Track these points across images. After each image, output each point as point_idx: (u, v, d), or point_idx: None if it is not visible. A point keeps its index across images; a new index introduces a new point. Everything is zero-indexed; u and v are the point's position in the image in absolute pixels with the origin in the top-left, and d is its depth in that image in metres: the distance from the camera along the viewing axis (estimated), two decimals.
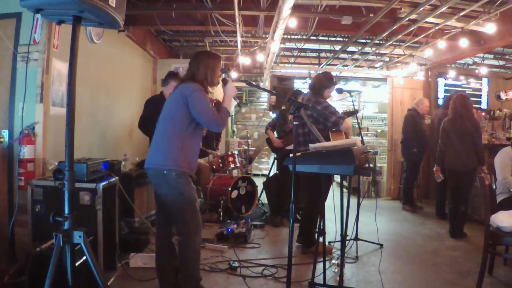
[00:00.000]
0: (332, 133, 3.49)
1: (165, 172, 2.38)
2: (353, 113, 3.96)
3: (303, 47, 6.86)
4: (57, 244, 1.62)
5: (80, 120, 3.56)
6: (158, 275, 2.56)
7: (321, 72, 4.01)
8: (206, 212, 4.97)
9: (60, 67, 3.23)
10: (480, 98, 7.30)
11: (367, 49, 6.08)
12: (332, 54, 6.80)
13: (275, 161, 5.52)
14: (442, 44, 5.14)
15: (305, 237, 3.70)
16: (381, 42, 5.74)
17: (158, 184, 2.47)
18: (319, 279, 2.78)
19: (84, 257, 1.74)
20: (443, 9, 3.85)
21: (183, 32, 5.94)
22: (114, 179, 2.95)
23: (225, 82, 2.63)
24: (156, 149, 2.47)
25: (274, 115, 5.52)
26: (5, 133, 3.02)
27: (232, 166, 5.49)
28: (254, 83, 6.91)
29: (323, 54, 7.29)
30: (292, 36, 6.07)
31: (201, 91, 2.45)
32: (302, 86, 10.18)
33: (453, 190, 4.43)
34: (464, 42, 4.93)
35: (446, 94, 6.98)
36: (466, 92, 7.12)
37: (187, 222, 2.45)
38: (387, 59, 7.10)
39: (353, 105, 4.27)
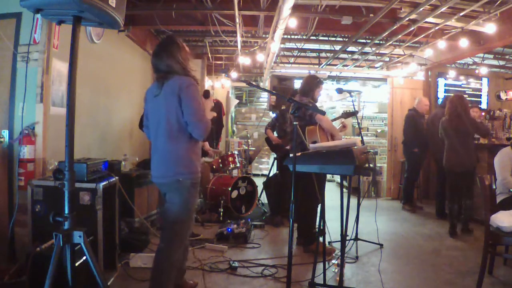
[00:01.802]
0: (307, 129, 3.60)
1: (180, 179, 2.24)
2: (353, 113, 3.96)
3: (303, 47, 6.86)
4: (57, 244, 1.62)
5: (80, 120, 3.56)
6: None
7: (309, 74, 4.09)
8: (206, 212, 4.97)
9: (60, 67, 3.23)
10: (480, 98, 7.31)
11: (367, 49, 6.08)
12: (332, 54, 6.79)
13: (275, 161, 5.52)
14: (442, 44, 5.14)
15: (305, 236, 3.72)
16: (381, 42, 5.74)
17: (170, 190, 2.32)
18: (319, 279, 2.78)
19: (84, 257, 1.74)
20: (443, 9, 3.84)
21: (183, 32, 5.94)
22: (114, 179, 2.95)
23: (206, 95, 2.58)
24: (164, 160, 2.28)
25: (274, 115, 5.52)
26: (5, 133, 3.02)
27: (232, 166, 5.49)
28: (254, 83, 6.92)
29: (323, 54, 7.28)
30: (292, 36, 6.07)
31: (195, 85, 2.28)
32: None
33: (452, 190, 4.46)
34: (464, 42, 4.93)
35: (446, 94, 6.99)
36: (466, 92, 7.16)
37: (177, 232, 2.34)
38: (387, 59, 7.10)
39: (353, 105, 4.27)
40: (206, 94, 2.56)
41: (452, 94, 4.87)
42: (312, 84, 3.80)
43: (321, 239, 2.74)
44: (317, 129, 3.53)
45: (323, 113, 2.72)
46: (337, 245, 3.60)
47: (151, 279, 2.33)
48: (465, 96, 4.81)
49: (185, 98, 2.20)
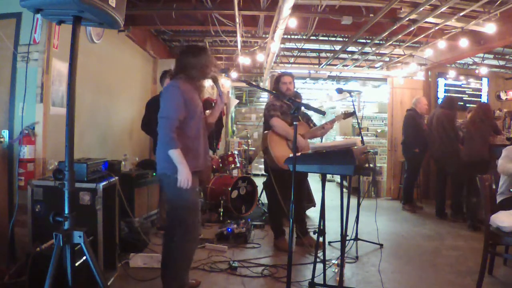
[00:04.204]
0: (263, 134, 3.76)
1: (168, 173, 2.39)
2: (351, 114, 3.96)
3: (303, 47, 6.85)
4: (57, 244, 1.62)
5: (80, 120, 3.56)
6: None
7: None
8: (206, 212, 4.97)
9: (60, 67, 3.23)
10: (480, 98, 7.31)
11: (367, 49, 6.08)
12: (332, 54, 6.79)
13: None
14: (442, 44, 5.14)
15: (272, 228, 3.94)
16: (381, 42, 5.73)
17: (164, 185, 2.54)
18: (319, 279, 2.78)
19: (84, 257, 1.74)
20: (443, 9, 3.84)
21: (183, 32, 5.94)
22: (114, 179, 2.95)
23: (215, 80, 2.65)
24: (158, 154, 2.47)
25: None
26: (5, 133, 3.02)
27: (232, 166, 5.49)
28: (254, 83, 6.91)
29: (323, 54, 7.28)
30: (292, 36, 6.06)
31: (177, 87, 2.41)
32: (302, 86, 10.19)
33: (469, 182, 4.82)
34: (464, 42, 4.93)
35: (446, 94, 6.99)
36: (466, 92, 7.17)
37: (184, 225, 2.42)
38: (387, 59, 7.10)
39: (353, 105, 4.26)
40: (208, 104, 2.66)
41: (481, 102, 5.94)
42: (275, 81, 3.91)
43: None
44: (268, 135, 3.57)
45: (323, 113, 2.71)
46: (337, 245, 3.61)
47: (166, 271, 2.46)
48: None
49: (161, 98, 2.46)
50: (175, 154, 2.33)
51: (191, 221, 2.45)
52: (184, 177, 2.32)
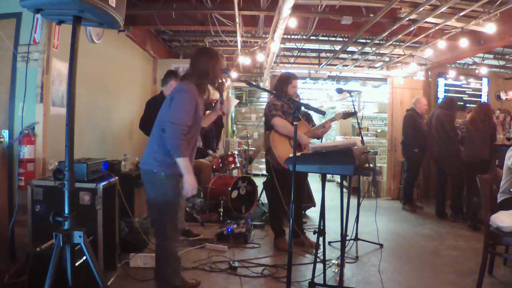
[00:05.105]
0: (265, 134, 3.73)
1: (154, 170, 2.36)
2: (352, 114, 3.97)
3: (303, 47, 6.85)
4: (57, 244, 1.62)
5: (80, 120, 3.56)
6: None
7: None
8: (206, 212, 4.97)
9: (60, 67, 3.23)
10: (480, 98, 7.31)
11: (367, 49, 6.08)
12: (332, 54, 6.79)
13: None
14: (442, 44, 5.14)
15: (272, 228, 3.94)
16: (381, 42, 5.74)
17: (147, 182, 2.44)
18: (319, 279, 2.78)
19: (84, 257, 1.74)
20: (443, 9, 3.85)
21: (183, 32, 5.94)
22: (114, 179, 2.95)
23: (220, 88, 2.60)
24: (148, 150, 2.45)
25: None
26: (5, 133, 3.02)
27: (232, 166, 5.49)
28: (254, 83, 6.91)
29: (323, 54, 7.28)
30: (292, 36, 6.07)
31: (190, 92, 2.35)
32: (302, 86, 10.19)
33: (469, 182, 4.81)
34: (464, 42, 4.93)
35: (446, 94, 6.99)
36: (466, 92, 7.18)
37: (166, 225, 2.39)
38: (387, 59, 7.10)
39: (353, 105, 4.26)
40: (208, 105, 2.63)
41: (481, 102, 5.85)
42: (283, 81, 3.75)
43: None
44: (271, 134, 3.57)
45: (323, 113, 2.71)
46: (337, 245, 3.61)
47: (156, 274, 2.42)
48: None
49: (173, 101, 2.35)
50: (185, 163, 2.27)
51: (168, 220, 2.40)
52: (191, 186, 2.30)
